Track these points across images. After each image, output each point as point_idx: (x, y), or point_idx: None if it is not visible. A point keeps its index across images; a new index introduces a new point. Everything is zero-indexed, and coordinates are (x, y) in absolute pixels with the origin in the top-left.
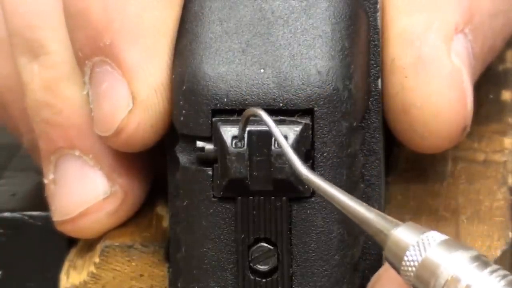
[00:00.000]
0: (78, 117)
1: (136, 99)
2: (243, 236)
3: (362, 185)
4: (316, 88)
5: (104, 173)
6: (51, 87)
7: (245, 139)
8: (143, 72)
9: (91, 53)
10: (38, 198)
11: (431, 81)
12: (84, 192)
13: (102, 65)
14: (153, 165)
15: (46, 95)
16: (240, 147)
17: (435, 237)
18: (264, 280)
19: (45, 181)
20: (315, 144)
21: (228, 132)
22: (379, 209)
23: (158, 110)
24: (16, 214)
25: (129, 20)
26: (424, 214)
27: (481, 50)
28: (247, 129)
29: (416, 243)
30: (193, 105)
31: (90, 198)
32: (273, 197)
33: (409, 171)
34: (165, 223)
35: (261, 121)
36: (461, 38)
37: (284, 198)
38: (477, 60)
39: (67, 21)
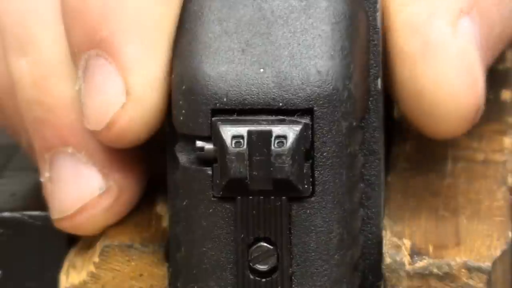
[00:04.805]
0: (70, 114)
1: (131, 93)
2: (242, 235)
3: (362, 185)
4: (316, 88)
5: (98, 169)
6: (41, 84)
7: (245, 139)
8: (139, 66)
9: (87, 46)
10: (38, 198)
11: (440, 64)
12: (79, 189)
13: (98, 59)
14: (150, 162)
15: (36, 92)
16: (239, 147)
17: None
18: (263, 280)
19: (42, 179)
20: (315, 143)
21: (228, 131)
22: (378, 208)
23: (152, 105)
24: (16, 214)
25: (128, 13)
26: (424, 214)
27: (489, 35)
28: (247, 128)
29: None
30: (192, 105)
31: (86, 194)
32: (272, 197)
33: (409, 171)
34: (165, 223)
35: (261, 121)
36: (467, 21)
37: (284, 198)
38: (487, 45)
39: (65, 14)
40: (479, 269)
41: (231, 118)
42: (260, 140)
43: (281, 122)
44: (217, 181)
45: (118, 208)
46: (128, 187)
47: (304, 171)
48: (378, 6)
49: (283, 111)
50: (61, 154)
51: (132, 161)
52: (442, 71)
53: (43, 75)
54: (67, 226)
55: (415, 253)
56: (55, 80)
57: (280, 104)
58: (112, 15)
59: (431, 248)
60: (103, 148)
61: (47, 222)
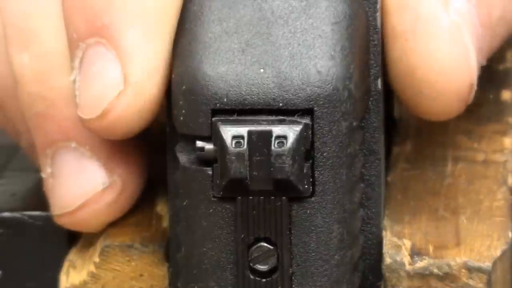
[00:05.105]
0: (72, 108)
1: (129, 81)
2: (242, 236)
3: (362, 185)
4: (316, 88)
5: (101, 164)
6: (43, 78)
7: (245, 139)
8: (139, 54)
9: (86, 34)
10: (38, 198)
11: (431, 39)
12: (82, 184)
13: (97, 47)
14: (150, 160)
15: (38, 86)
16: (240, 147)
17: None
18: (264, 280)
19: (43, 175)
20: (315, 144)
21: (228, 131)
22: (378, 209)
23: (149, 95)
24: (16, 214)
25: (131, 1)
26: (424, 214)
27: (488, 18)
28: (247, 129)
29: None
30: (192, 105)
31: (89, 189)
32: (273, 197)
33: (409, 171)
34: (165, 223)
35: (261, 121)
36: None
37: (284, 198)
38: (486, 28)
39: (65, 2)
40: (479, 269)
41: (231, 118)
42: (260, 140)
43: (281, 122)
44: (217, 181)
45: (120, 203)
46: (131, 181)
47: (304, 171)
48: (378, 6)
49: (283, 111)
50: (63, 149)
51: (135, 155)
52: (432, 47)
53: (45, 69)
54: (68, 222)
55: (415, 253)
56: (57, 74)
57: (280, 104)
58: (115, 3)
59: (431, 248)
60: (106, 143)
61: (47, 222)
